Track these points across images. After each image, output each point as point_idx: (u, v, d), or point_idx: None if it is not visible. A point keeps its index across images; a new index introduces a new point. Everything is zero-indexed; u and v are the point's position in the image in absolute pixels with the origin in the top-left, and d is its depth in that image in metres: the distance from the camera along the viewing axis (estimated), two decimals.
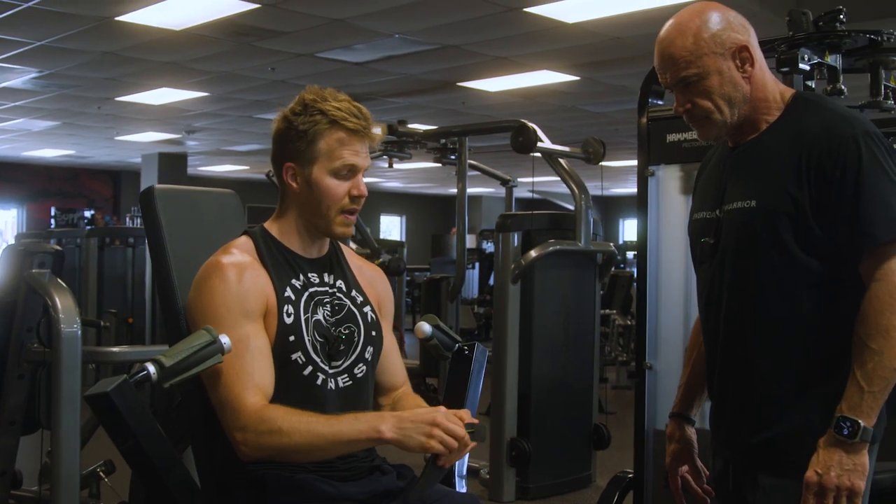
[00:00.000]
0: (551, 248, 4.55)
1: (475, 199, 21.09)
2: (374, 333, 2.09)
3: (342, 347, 2.01)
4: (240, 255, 1.98)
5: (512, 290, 4.52)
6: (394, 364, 2.19)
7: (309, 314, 1.98)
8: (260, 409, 1.83)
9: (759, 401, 1.90)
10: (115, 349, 4.13)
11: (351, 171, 1.99)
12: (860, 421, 1.73)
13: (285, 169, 2.01)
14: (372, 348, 2.07)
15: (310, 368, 1.96)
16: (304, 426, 1.81)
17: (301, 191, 2.00)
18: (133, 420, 1.73)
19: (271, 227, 2.07)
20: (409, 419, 1.79)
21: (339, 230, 2.03)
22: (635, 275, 3.48)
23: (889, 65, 2.93)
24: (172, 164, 15.30)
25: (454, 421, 1.78)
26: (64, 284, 3.12)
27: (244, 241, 2.03)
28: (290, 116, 1.99)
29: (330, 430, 1.81)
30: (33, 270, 3.18)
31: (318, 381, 1.96)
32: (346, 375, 2.01)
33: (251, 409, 1.82)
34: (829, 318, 1.83)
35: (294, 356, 1.94)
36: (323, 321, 2.00)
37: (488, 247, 14.49)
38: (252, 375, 1.86)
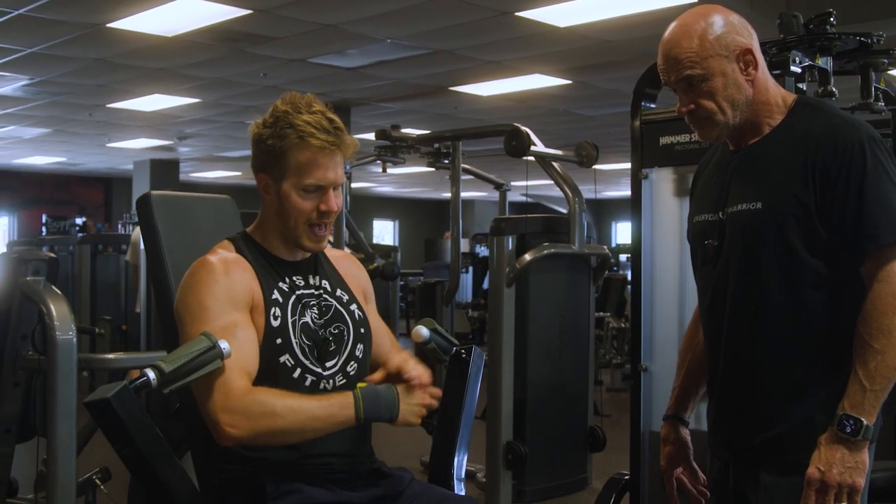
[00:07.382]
0: (546, 252, 4.55)
1: (468, 203, 21.09)
2: (362, 330, 2.10)
3: (332, 348, 2.01)
4: (225, 253, 1.99)
5: (507, 294, 4.52)
6: (384, 341, 2.20)
7: (296, 317, 1.99)
8: (249, 390, 1.84)
9: (762, 400, 1.91)
10: (111, 356, 4.11)
11: (319, 189, 1.97)
12: (862, 419, 1.75)
13: (259, 179, 2.02)
14: (362, 345, 2.08)
15: (298, 371, 1.96)
16: (298, 407, 1.83)
17: (273, 201, 2.01)
18: (133, 425, 1.74)
19: (254, 232, 2.08)
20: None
21: (309, 244, 2.03)
22: (629, 277, 3.49)
23: (879, 67, 2.94)
24: (164, 170, 15.30)
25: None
26: (59, 291, 3.11)
27: (227, 244, 2.04)
28: (262, 129, 1.97)
29: (323, 412, 1.84)
30: (28, 278, 3.17)
31: (307, 383, 1.96)
32: (340, 375, 2.02)
33: (241, 391, 1.82)
34: (833, 319, 1.85)
35: (282, 359, 1.94)
36: (311, 324, 2.01)
37: (481, 251, 14.48)
38: (239, 360, 1.85)
